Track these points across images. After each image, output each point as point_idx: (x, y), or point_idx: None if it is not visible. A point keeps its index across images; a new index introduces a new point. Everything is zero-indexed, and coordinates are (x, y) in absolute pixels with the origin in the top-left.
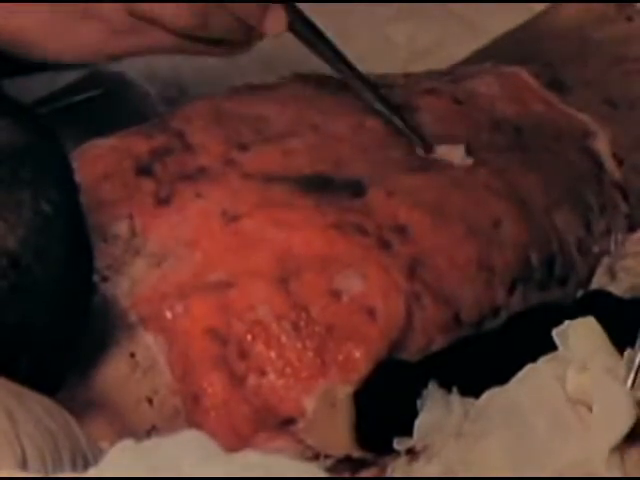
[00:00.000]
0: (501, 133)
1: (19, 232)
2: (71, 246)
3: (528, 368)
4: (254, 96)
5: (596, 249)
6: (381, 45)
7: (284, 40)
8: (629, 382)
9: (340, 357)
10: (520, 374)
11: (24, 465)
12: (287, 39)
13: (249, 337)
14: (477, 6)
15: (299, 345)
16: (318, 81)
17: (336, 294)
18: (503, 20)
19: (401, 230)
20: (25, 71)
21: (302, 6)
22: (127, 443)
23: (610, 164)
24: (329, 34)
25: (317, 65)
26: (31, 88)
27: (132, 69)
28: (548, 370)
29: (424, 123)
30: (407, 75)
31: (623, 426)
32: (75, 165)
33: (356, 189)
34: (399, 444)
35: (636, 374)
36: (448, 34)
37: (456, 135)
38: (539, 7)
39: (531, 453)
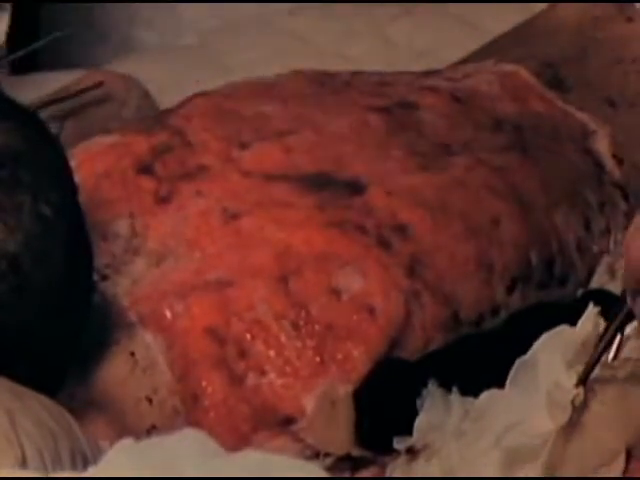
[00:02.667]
0: (501, 132)
1: (19, 235)
2: (71, 248)
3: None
4: (254, 94)
5: (595, 248)
6: (381, 45)
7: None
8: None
9: (340, 356)
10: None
11: (24, 464)
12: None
13: (248, 336)
14: (477, 7)
15: (299, 344)
16: (319, 79)
17: (336, 293)
18: (503, 21)
19: (401, 229)
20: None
21: (303, 6)
22: (127, 442)
23: (610, 163)
24: (329, 34)
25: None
26: (30, 89)
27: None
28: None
29: (424, 121)
30: (406, 73)
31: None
32: (75, 163)
33: (356, 188)
34: (399, 443)
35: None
36: (448, 34)
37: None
38: (539, 8)
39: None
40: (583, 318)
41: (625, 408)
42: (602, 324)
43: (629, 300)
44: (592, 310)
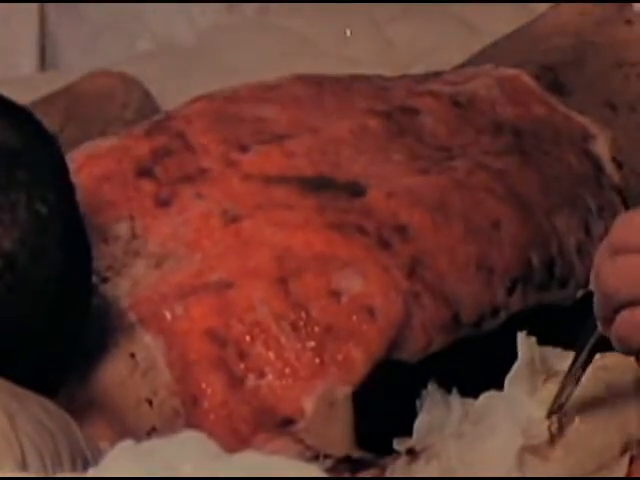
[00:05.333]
0: (501, 136)
1: (15, 233)
2: (68, 247)
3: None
4: (255, 97)
5: (595, 252)
6: (381, 46)
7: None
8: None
9: (339, 357)
10: None
11: (24, 465)
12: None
13: (248, 338)
14: (477, 7)
15: (298, 345)
16: (319, 82)
17: (335, 294)
18: (503, 21)
19: (401, 230)
20: None
21: (302, 6)
22: (127, 444)
23: (609, 167)
24: (329, 34)
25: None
26: (29, 89)
27: (131, 69)
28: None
29: (425, 125)
30: (406, 76)
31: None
32: (75, 166)
33: (356, 190)
34: (399, 444)
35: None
36: (448, 35)
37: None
38: (539, 8)
39: None
40: (519, 346)
41: (606, 418)
42: (536, 347)
43: (602, 328)
44: (523, 337)
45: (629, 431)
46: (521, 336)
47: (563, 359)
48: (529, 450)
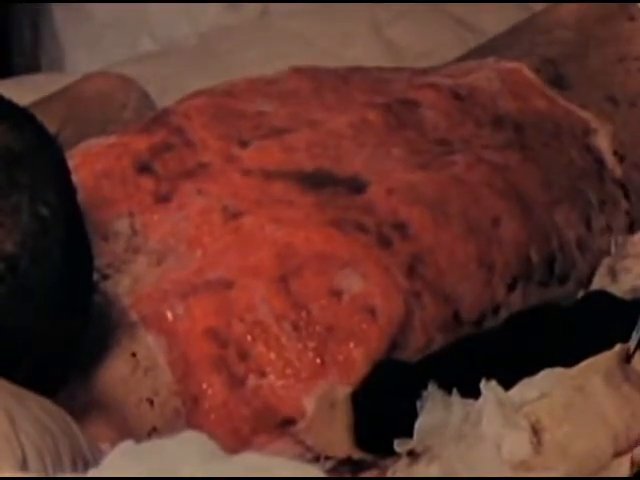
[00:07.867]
0: (502, 130)
1: (17, 236)
2: (70, 248)
3: None
4: (253, 91)
5: (596, 247)
6: (381, 47)
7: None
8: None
9: (340, 357)
10: None
11: (24, 466)
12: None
13: (249, 338)
14: (477, 8)
15: (299, 345)
16: (317, 76)
17: (336, 293)
18: (503, 22)
19: (401, 227)
20: None
21: (302, 6)
22: (128, 444)
23: (611, 161)
24: (329, 35)
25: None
26: (30, 90)
27: (132, 69)
28: None
29: (425, 118)
30: (406, 69)
31: None
32: (74, 164)
33: (356, 186)
34: (399, 446)
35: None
36: (448, 36)
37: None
38: (539, 8)
39: None
40: (483, 391)
41: (586, 419)
42: (500, 389)
43: None
44: (485, 384)
45: (614, 427)
46: (483, 383)
47: (530, 390)
48: (519, 466)
